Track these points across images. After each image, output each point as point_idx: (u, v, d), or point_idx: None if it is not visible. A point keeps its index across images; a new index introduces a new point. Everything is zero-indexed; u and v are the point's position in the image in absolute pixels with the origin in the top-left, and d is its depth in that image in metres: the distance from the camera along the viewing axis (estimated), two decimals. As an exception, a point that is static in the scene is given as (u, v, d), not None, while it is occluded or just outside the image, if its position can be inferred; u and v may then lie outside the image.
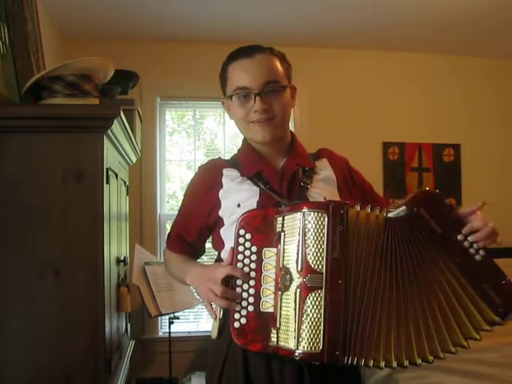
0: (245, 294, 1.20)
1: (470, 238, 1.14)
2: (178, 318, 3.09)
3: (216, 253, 1.40)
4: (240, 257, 1.22)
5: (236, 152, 1.45)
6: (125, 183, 2.22)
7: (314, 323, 1.12)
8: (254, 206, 1.27)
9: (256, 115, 1.30)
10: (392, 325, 1.14)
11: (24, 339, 1.44)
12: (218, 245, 1.36)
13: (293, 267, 1.15)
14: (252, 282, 1.20)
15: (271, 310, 1.18)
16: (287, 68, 1.37)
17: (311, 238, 1.14)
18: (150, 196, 3.45)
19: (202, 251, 1.48)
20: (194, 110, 3.68)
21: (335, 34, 3.41)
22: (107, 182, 1.57)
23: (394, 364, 1.14)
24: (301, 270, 1.14)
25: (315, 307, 1.12)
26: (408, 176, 3.73)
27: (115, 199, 1.82)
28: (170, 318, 3.06)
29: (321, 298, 1.12)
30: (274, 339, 1.17)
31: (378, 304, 1.14)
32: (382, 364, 1.14)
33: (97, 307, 1.49)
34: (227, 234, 1.30)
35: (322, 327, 1.12)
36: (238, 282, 1.21)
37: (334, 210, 1.14)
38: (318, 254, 1.13)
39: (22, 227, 1.46)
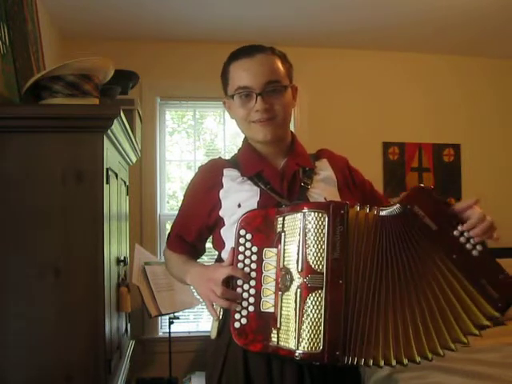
0: (245, 294, 1.20)
1: (466, 234, 1.14)
2: (178, 318, 3.09)
3: (216, 253, 1.40)
4: (240, 257, 1.22)
5: (236, 152, 1.45)
6: (125, 183, 2.22)
7: (315, 323, 1.12)
8: (255, 206, 1.27)
9: (257, 115, 1.30)
10: (390, 323, 1.14)
11: (24, 339, 1.44)
12: (219, 245, 1.36)
13: (293, 267, 1.15)
14: (252, 282, 1.20)
15: (271, 310, 1.18)
16: (288, 68, 1.37)
17: (312, 238, 1.14)
18: (150, 196, 3.45)
19: (202, 251, 1.48)
20: (194, 110, 3.68)
21: (335, 34, 3.42)
22: (107, 182, 1.57)
23: (394, 362, 1.14)
24: (301, 271, 1.14)
25: (316, 307, 1.12)
26: (408, 176, 3.73)
27: (115, 199, 1.82)
28: (170, 318, 3.06)
29: (321, 299, 1.12)
30: (274, 339, 1.17)
31: (376, 303, 1.14)
32: (382, 363, 1.14)
33: (97, 307, 1.49)
34: (228, 234, 1.30)
35: (322, 327, 1.12)
36: (239, 282, 1.21)
37: (335, 211, 1.14)
38: (319, 255, 1.13)
39: (22, 227, 1.46)
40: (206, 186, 1.38)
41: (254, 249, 1.21)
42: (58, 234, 1.47)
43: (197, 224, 1.39)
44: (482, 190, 3.63)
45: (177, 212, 1.47)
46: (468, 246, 1.14)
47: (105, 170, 1.52)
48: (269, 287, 1.19)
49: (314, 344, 1.11)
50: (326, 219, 1.13)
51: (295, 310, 1.13)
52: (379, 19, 3.16)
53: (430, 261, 1.15)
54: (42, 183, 1.47)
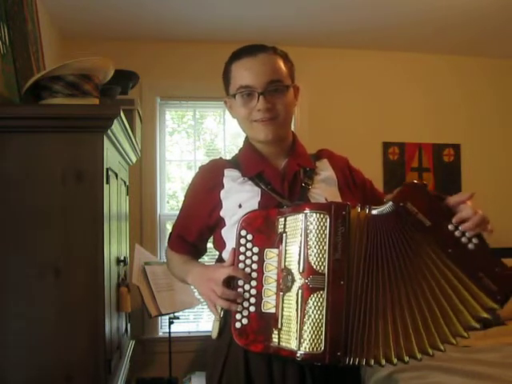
0: (246, 295, 1.20)
1: (461, 227, 1.14)
2: (178, 318, 3.09)
3: (217, 253, 1.40)
4: (241, 257, 1.21)
5: (237, 152, 1.45)
6: (125, 183, 2.22)
7: (316, 324, 1.12)
8: (256, 207, 1.27)
9: (259, 114, 1.30)
10: (390, 321, 1.14)
11: (24, 339, 1.44)
12: (220, 245, 1.36)
13: (295, 268, 1.15)
14: (253, 283, 1.20)
15: (273, 310, 1.18)
16: (290, 67, 1.37)
17: (313, 239, 1.14)
18: (150, 196, 3.45)
19: (203, 251, 1.48)
20: (194, 110, 3.68)
21: (335, 34, 3.41)
22: (107, 182, 1.57)
23: (395, 360, 1.13)
24: (303, 271, 1.14)
25: (317, 308, 1.12)
26: (408, 176, 3.73)
27: (115, 199, 1.82)
28: (170, 318, 3.06)
29: (323, 299, 1.12)
30: (275, 340, 1.17)
31: (374, 302, 1.14)
32: (383, 361, 1.14)
33: (97, 307, 1.49)
34: (228, 234, 1.30)
35: (323, 328, 1.12)
36: (240, 282, 1.21)
37: (336, 212, 1.14)
38: (320, 255, 1.13)
39: (22, 227, 1.46)
40: (206, 186, 1.38)
41: (255, 249, 1.21)
42: (58, 234, 1.47)
43: (197, 224, 1.39)
44: (482, 189, 3.62)
45: (177, 212, 1.48)
46: (463, 239, 1.14)
47: (105, 170, 1.52)
48: (270, 288, 1.19)
49: (315, 345, 1.11)
50: (328, 220, 1.13)
51: (297, 310, 1.13)
52: (379, 19, 3.16)
53: (425, 256, 1.15)
54: (42, 183, 1.47)
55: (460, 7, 2.98)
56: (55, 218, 1.47)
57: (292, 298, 1.15)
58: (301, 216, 1.16)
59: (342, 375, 1.25)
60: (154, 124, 3.47)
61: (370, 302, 1.14)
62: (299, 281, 1.14)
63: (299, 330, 1.12)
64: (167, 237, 1.51)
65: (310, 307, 1.12)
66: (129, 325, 2.28)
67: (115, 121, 1.52)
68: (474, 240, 1.13)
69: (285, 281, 1.17)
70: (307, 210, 1.15)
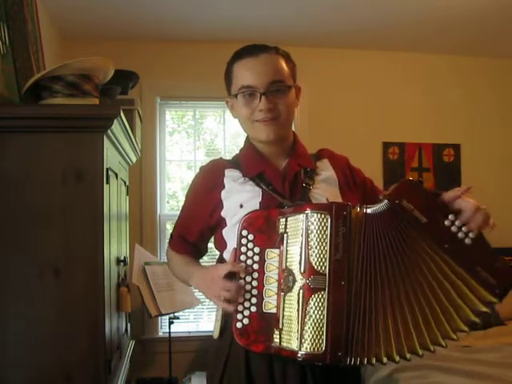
0: (247, 295, 1.20)
1: (457, 222, 1.14)
2: (178, 318, 3.09)
3: (218, 253, 1.40)
4: (242, 257, 1.21)
5: (238, 152, 1.45)
6: (125, 183, 2.22)
7: (317, 324, 1.12)
8: (257, 207, 1.27)
9: (261, 114, 1.30)
10: (390, 320, 1.14)
11: (24, 339, 1.44)
12: (221, 245, 1.36)
13: (296, 268, 1.15)
14: (254, 283, 1.20)
15: (274, 310, 1.18)
16: (292, 68, 1.37)
17: (314, 239, 1.14)
18: (150, 196, 3.45)
19: (204, 251, 1.48)
20: (194, 110, 3.68)
21: (335, 34, 3.42)
22: (107, 182, 1.57)
23: (397, 358, 1.13)
24: (304, 272, 1.14)
25: (318, 308, 1.12)
26: (408, 176, 3.72)
27: (115, 199, 1.82)
28: (170, 318, 3.06)
29: (324, 300, 1.12)
30: (276, 340, 1.17)
31: (373, 302, 1.14)
32: (385, 360, 1.14)
33: (97, 307, 1.49)
34: (229, 234, 1.30)
35: (324, 328, 1.12)
36: (241, 282, 1.21)
37: (337, 212, 1.14)
38: (321, 256, 1.13)
39: (22, 227, 1.46)
40: (207, 186, 1.37)
41: (256, 249, 1.21)
42: (57, 233, 1.46)
43: (198, 225, 1.39)
44: (481, 190, 3.61)
45: (177, 212, 1.48)
46: (460, 234, 1.14)
47: (105, 169, 1.52)
48: (271, 288, 1.19)
49: (316, 345, 1.11)
50: (329, 220, 1.13)
51: (298, 310, 1.13)
52: (379, 19, 3.16)
53: (422, 252, 1.15)
54: (42, 183, 1.47)
55: (460, 7, 2.98)
56: (55, 218, 1.47)
57: (293, 298, 1.15)
58: (302, 216, 1.16)
59: (343, 375, 1.25)
60: (153, 124, 3.47)
61: (370, 302, 1.14)
62: (300, 281, 1.14)
63: (300, 330, 1.13)
64: (167, 237, 1.51)
65: (311, 307, 1.12)
66: (129, 325, 2.28)
67: (115, 121, 1.52)
68: (471, 235, 1.13)
69: (286, 281, 1.17)
70: (308, 211, 1.15)
